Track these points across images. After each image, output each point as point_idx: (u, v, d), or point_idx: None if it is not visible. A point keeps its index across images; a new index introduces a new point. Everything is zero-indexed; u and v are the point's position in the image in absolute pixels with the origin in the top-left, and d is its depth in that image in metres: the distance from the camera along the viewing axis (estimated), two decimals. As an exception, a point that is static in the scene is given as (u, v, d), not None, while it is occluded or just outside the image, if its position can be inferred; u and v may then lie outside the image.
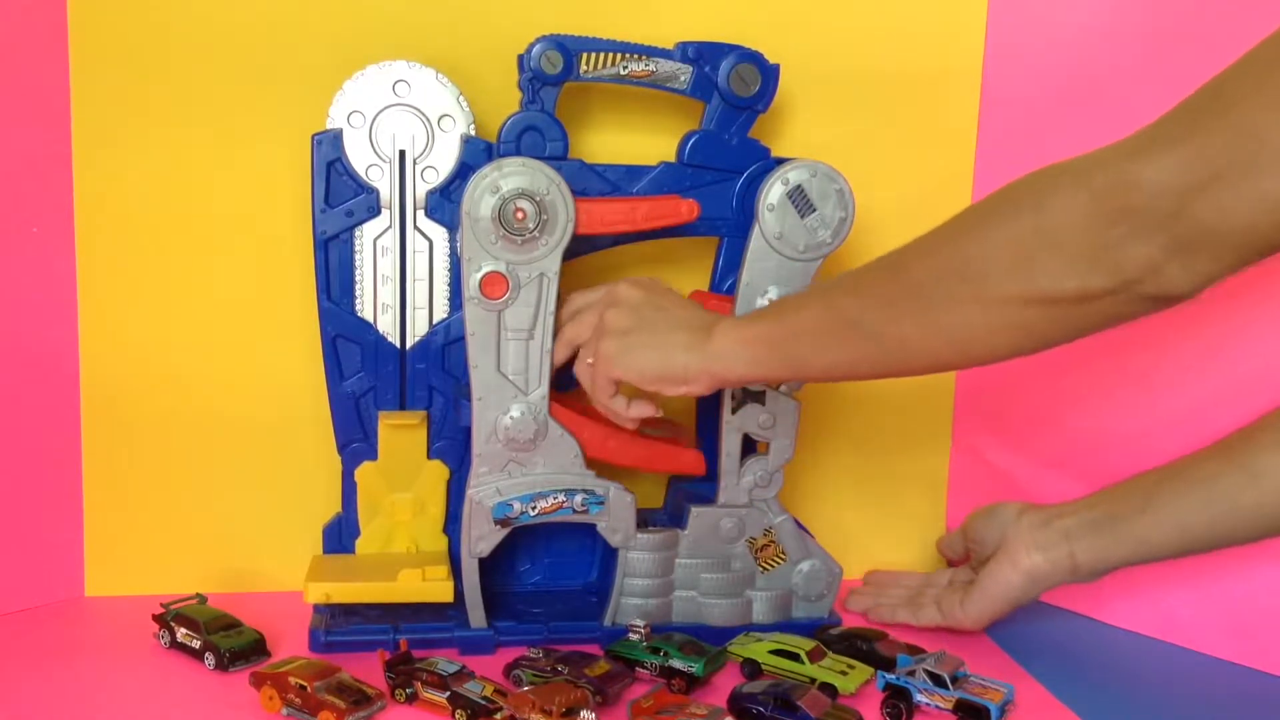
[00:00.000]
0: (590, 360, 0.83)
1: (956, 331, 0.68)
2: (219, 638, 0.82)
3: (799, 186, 0.85)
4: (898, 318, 0.70)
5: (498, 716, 0.74)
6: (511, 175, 0.80)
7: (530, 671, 0.80)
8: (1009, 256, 0.64)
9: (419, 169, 0.87)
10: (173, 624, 0.84)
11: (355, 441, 0.89)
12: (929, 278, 0.68)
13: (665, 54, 0.88)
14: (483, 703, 0.75)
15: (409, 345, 0.89)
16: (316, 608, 0.87)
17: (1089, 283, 0.62)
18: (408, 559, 0.88)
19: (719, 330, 0.78)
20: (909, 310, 0.69)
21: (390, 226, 0.87)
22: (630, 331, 0.80)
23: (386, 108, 0.86)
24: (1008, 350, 0.68)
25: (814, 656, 0.82)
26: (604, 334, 0.81)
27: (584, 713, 0.72)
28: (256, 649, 0.83)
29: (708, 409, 0.91)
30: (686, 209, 0.86)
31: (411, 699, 0.77)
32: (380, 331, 0.88)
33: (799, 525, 0.91)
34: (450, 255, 0.88)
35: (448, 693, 0.76)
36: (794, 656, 0.82)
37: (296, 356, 0.91)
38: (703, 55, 0.88)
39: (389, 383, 0.89)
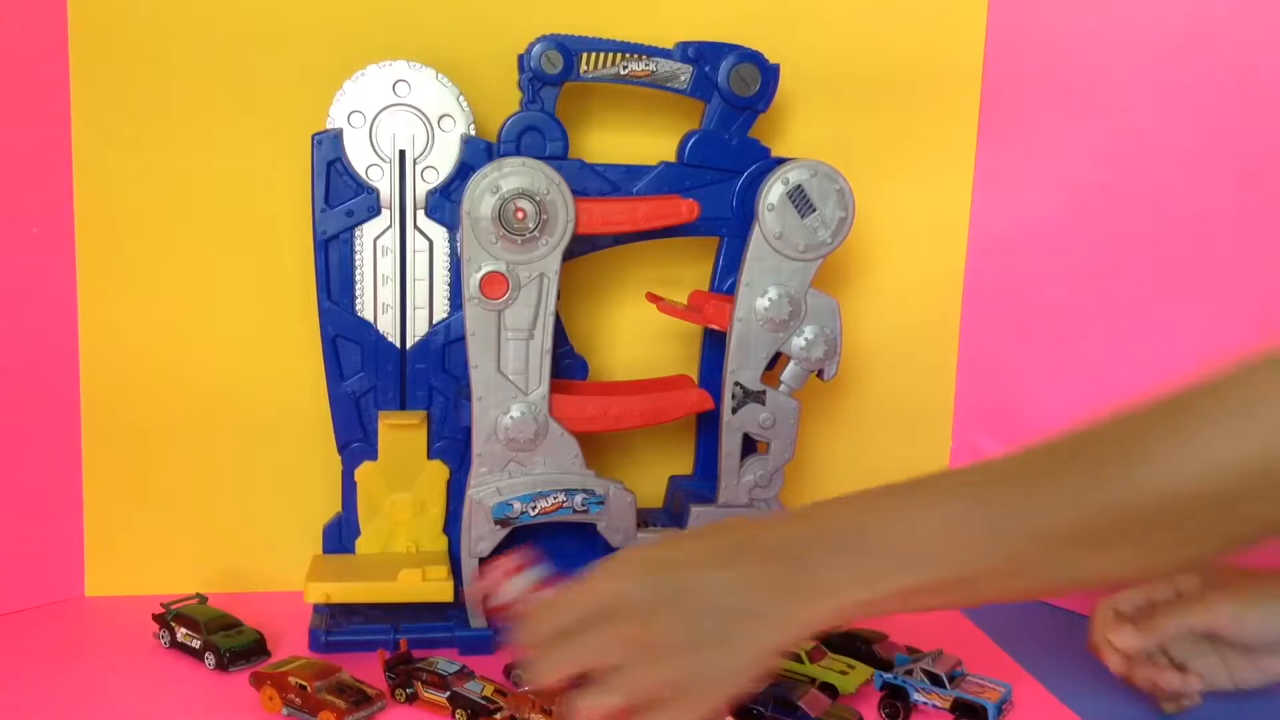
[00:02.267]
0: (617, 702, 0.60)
1: (1186, 560, 0.57)
2: (219, 638, 0.82)
3: (799, 186, 0.85)
4: (1110, 560, 0.56)
5: (498, 716, 0.74)
6: (511, 175, 0.80)
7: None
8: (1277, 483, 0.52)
9: (419, 169, 0.87)
10: (173, 624, 0.84)
11: (355, 441, 0.89)
12: (1149, 512, 0.55)
13: (665, 54, 0.88)
14: (483, 703, 0.75)
15: (409, 345, 0.89)
16: (316, 608, 0.87)
17: None
18: (408, 559, 0.88)
19: (815, 596, 0.59)
20: (1126, 550, 0.56)
21: (390, 226, 0.87)
22: (683, 641, 0.60)
23: (386, 108, 0.86)
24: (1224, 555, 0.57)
25: (814, 656, 0.82)
26: (653, 657, 0.60)
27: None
28: (256, 649, 0.83)
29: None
30: (686, 209, 0.86)
31: (411, 699, 0.77)
32: (380, 331, 0.88)
33: (799, 525, 0.91)
34: (450, 255, 0.88)
35: (448, 693, 0.76)
36: (794, 656, 0.82)
37: (296, 356, 0.91)
38: (703, 55, 0.88)
39: (389, 383, 0.89)
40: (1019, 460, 0.60)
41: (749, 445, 0.89)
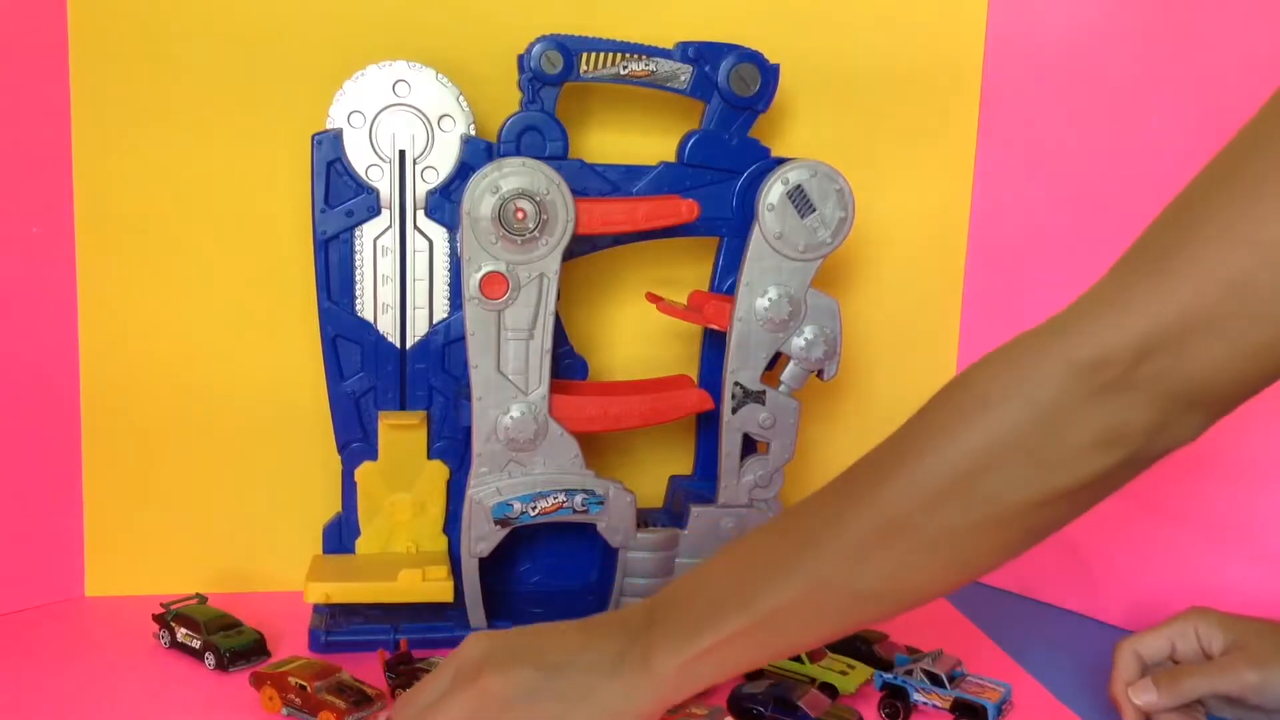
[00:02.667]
0: None
1: (971, 558, 0.61)
2: (219, 638, 0.82)
3: (799, 186, 0.85)
4: (894, 567, 0.61)
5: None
6: (511, 175, 0.80)
7: (530, 671, 0.79)
8: (1012, 464, 0.58)
9: (419, 169, 0.87)
10: (173, 624, 0.84)
11: (355, 441, 0.89)
12: (915, 510, 0.60)
13: (665, 54, 0.88)
14: (483, 703, 0.75)
15: (409, 345, 0.89)
16: (316, 608, 0.87)
17: (1102, 462, 0.57)
18: (408, 559, 0.88)
19: (657, 654, 0.63)
20: (905, 554, 0.61)
21: (390, 226, 0.87)
22: (537, 693, 0.63)
23: (386, 108, 0.86)
24: (1021, 552, 0.61)
25: (814, 656, 0.82)
26: (500, 705, 0.63)
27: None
28: (256, 649, 0.83)
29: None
30: (686, 209, 0.86)
31: (411, 699, 0.77)
32: (380, 331, 0.88)
33: (799, 525, 0.91)
34: (450, 255, 0.88)
35: (448, 693, 0.76)
36: (794, 656, 0.82)
37: (296, 356, 0.91)
38: (703, 55, 0.88)
39: (389, 383, 0.89)
40: (814, 499, 0.66)
41: (749, 445, 0.89)
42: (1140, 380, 0.56)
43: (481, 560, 0.85)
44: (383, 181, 0.86)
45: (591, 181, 0.87)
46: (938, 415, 0.62)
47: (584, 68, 0.86)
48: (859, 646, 0.85)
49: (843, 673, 0.81)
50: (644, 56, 0.87)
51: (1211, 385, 0.56)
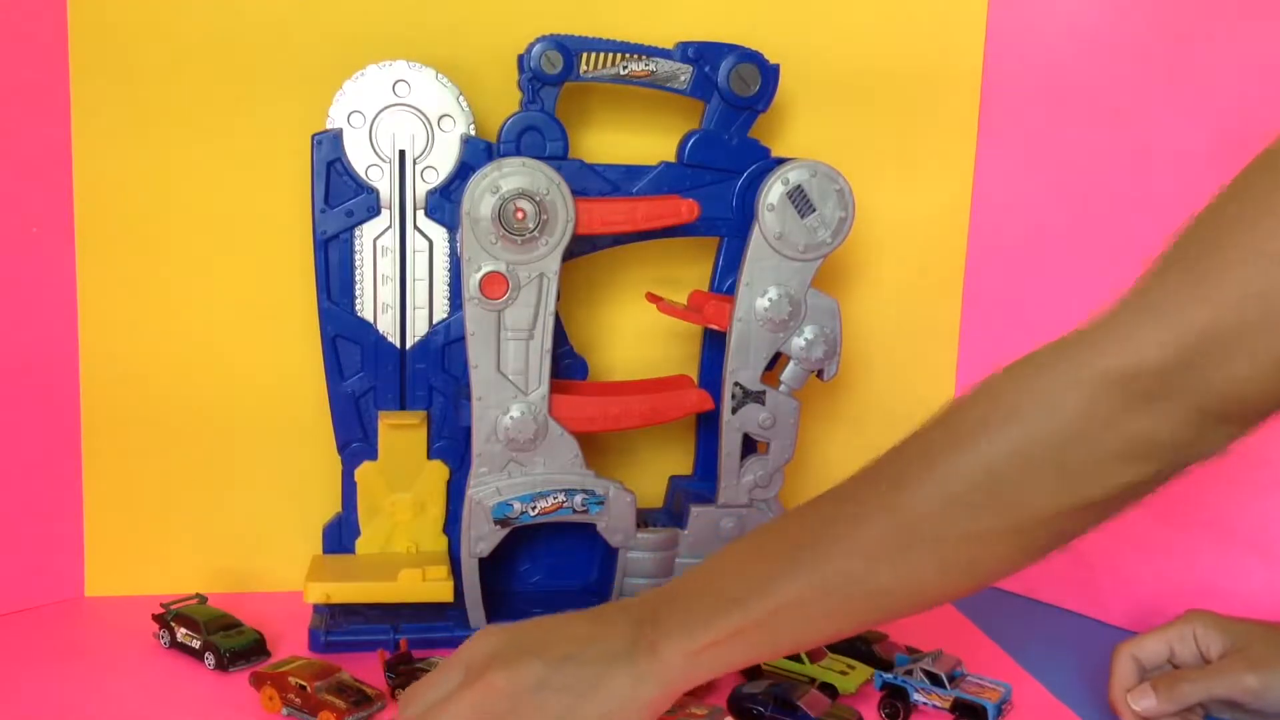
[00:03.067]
0: None
1: (989, 564, 0.61)
2: (219, 638, 0.82)
3: (799, 186, 0.85)
4: (912, 569, 0.61)
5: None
6: (511, 175, 0.80)
7: (530, 671, 0.79)
8: (1041, 474, 0.57)
9: (419, 169, 0.87)
10: (173, 624, 0.84)
11: (355, 441, 0.89)
12: (939, 513, 0.59)
13: (665, 54, 0.88)
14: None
15: (409, 345, 0.89)
16: (316, 608, 0.87)
17: (1132, 474, 0.57)
18: (408, 559, 0.88)
19: (665, 643, 0.63)
20: (925, 557, 0.60)
21: (390, 226, 0.87)
22: (545, 685, 0.62)
23: (386, 108, 0.86)
24: (1039, 559, 0.61)
25: (814, 656, 0.82)
26: (509, 700, 0.62)
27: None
28: (256, 649, 0.83)
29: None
30: (686, 209, 0.86)
31: (411, 699, 0.77)
32: (380, 331, 0.88)
33: (799, 525, 0.91)
34: (450, 255, 0.88)
35: (448, 693, 0.76)
36: (794, 656, 0.82)
37: (296, 356, 0.91)
38: (703, 55, 0.88)
39: (389, 383, 0.89)
40: (832, 494, 0.65)
41: (749, 445, 0.89)
42: (1173, 392, 0.55)
43: (481, 560, 0.85)
44: (383, 181, 0.86)
45: (591, 181, 0.87)
46: (964, 422, 0.61)
47: (584, 68, 0.86)
48: (859, 646, 0.85)
49: (843, 673, 0.81)
50: (644, 56, 0.87)
51: (1245, 398, 0.55)
